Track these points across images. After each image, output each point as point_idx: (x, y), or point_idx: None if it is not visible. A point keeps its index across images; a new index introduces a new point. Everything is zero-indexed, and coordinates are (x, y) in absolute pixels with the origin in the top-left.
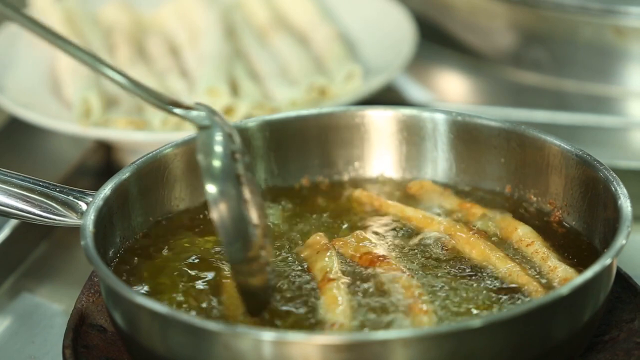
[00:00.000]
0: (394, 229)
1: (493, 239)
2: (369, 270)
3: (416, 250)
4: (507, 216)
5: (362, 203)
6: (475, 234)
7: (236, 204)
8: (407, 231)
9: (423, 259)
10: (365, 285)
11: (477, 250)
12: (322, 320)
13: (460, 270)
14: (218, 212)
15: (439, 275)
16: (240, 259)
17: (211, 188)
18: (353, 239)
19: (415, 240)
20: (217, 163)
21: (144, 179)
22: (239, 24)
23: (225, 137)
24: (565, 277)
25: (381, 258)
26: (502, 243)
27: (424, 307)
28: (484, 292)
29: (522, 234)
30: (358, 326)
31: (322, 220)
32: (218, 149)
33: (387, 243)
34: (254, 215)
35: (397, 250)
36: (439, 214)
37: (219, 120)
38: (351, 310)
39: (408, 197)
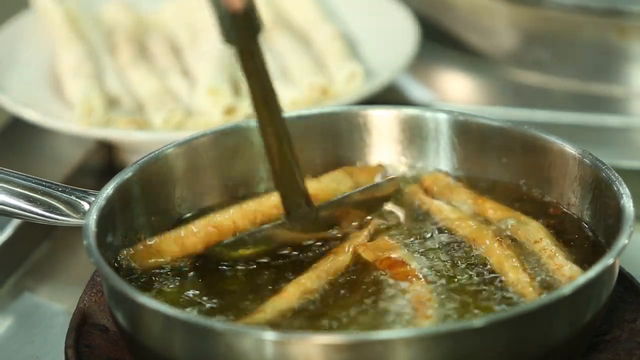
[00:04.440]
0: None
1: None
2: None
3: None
4: (517, 213)
5: (411, 196)
6: (498, 240)
7: None
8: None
9: (440, 262)
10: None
11: (495, 257)
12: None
13: (471, 277)
14: None
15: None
16: None
17: None
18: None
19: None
20: None
21: (146, 178)
22: None
23: None
24: (572, 276)
25: (399, 263)
26: (514, 242)
27: (429, 312)
28: (487, 301)
29: (531, 230)
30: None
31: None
32: None
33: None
34: None
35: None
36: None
37: None
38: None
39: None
